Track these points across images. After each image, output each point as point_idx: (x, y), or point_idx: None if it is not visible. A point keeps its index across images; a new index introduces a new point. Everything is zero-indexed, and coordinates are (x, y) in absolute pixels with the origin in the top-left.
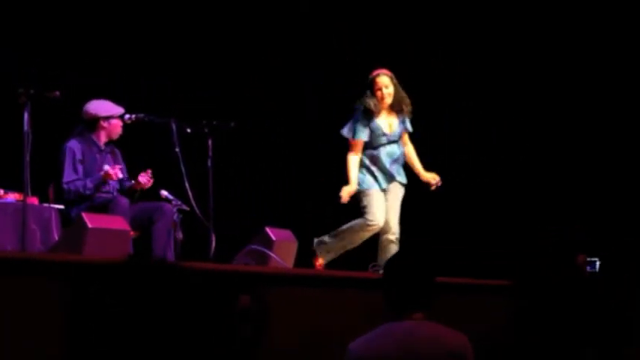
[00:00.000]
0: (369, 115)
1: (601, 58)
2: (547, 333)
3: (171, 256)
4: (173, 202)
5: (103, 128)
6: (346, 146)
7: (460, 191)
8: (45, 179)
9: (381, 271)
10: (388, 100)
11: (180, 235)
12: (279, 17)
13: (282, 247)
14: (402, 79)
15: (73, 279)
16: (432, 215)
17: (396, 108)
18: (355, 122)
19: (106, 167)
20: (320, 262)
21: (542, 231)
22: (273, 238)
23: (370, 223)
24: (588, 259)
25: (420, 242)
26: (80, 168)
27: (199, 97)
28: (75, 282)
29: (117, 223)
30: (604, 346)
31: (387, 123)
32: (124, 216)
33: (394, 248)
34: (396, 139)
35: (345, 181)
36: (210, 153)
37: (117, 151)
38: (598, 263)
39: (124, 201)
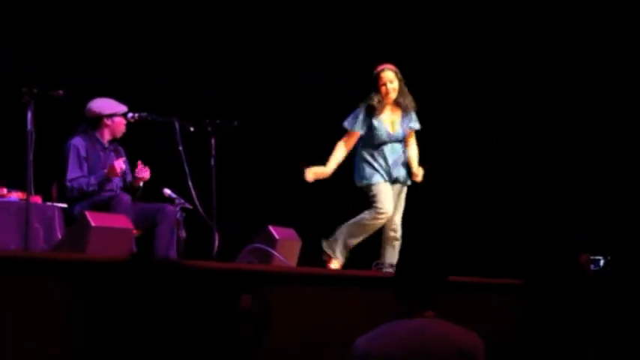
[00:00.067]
0: (371, 112)
1: (601, 58)
2: (549, 332)
3: (174, 254)
4: (176, 201)
5: (107, 126)
6: None
7: (460, 191)
8: (48, 178)
9: (384, 269)
10: (393, 95)
11: (183, 234)
12: (279, 17)
13: (285, 246)
14: (402, 79)
15: (76, 278)
16: (432, 215)
17: (401, 105)
18: (356, 115)
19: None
20: (334, 264)
21: (543, 231)
22: (277, 236)
23: (380, 211)
24: (592, 257)
25: (433, 241)
26: (85, 165)
27: (200, 97)
28: (77, 281)
29: (120, 221)
30: (605, 346)
31: (390, 121)
32: (127, 213)
33: (398, 245)
34: (399, 138)
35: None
36: (214, 152)
37: (120, 149)
38: (602, 261)
39: (127, 198)
